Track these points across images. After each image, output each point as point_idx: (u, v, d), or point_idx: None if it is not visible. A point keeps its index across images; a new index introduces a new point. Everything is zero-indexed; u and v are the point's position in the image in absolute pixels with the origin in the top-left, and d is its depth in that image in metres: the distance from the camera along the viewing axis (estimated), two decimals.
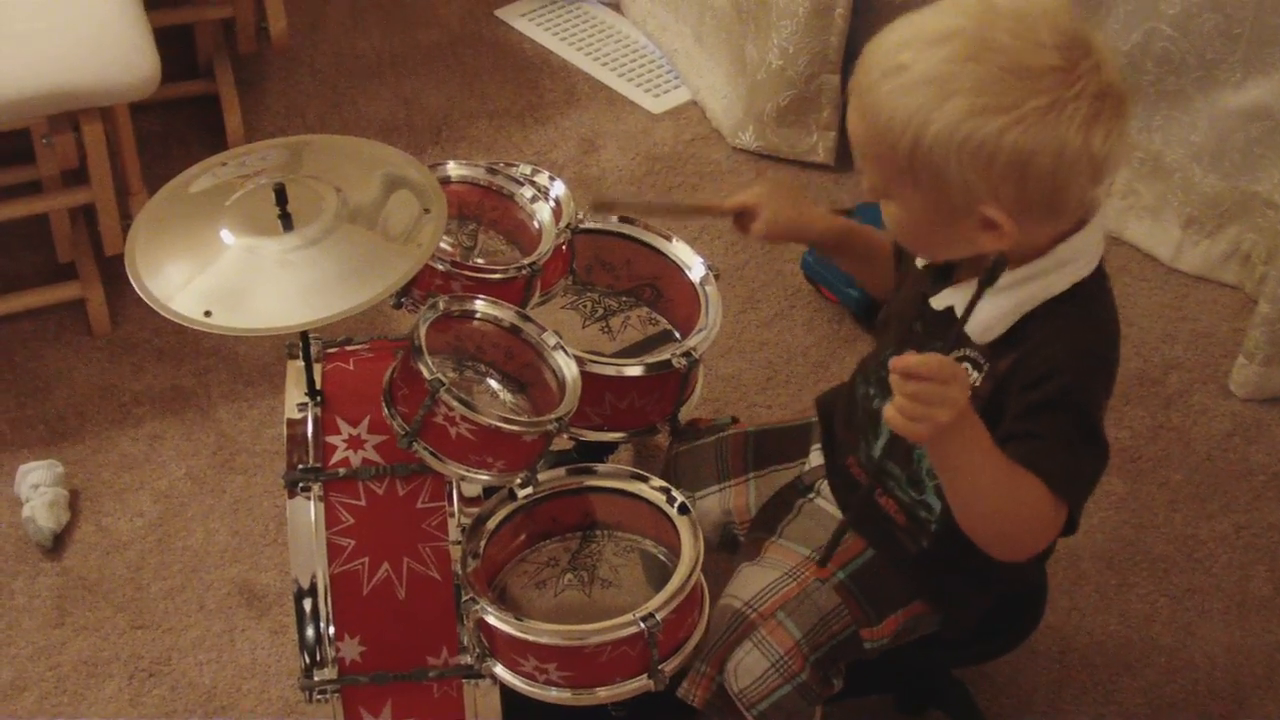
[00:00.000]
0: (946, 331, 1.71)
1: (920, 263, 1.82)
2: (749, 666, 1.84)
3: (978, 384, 1.72)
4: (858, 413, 1.91)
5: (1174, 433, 2.76)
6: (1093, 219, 1.71)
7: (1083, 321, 1.71)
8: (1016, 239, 1.65)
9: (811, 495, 1.99)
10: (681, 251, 2.16)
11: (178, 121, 3.30)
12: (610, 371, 1.98)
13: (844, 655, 1.88)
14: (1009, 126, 1.59)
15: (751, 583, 1.89)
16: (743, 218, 2.00)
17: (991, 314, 1.69)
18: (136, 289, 1.77)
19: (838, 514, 1.95)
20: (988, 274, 1.58)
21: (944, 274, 1.78)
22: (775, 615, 1.85)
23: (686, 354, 2.02)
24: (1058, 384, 1.67)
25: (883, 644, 1.90)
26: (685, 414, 2.10)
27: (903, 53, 1.63)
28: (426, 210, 1.86)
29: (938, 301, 1.77)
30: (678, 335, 2.14)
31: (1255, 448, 2.74)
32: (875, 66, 1.65)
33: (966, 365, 1.73)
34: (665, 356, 2.01)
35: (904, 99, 1.61)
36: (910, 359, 1.56)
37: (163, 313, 1.75)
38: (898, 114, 1.61)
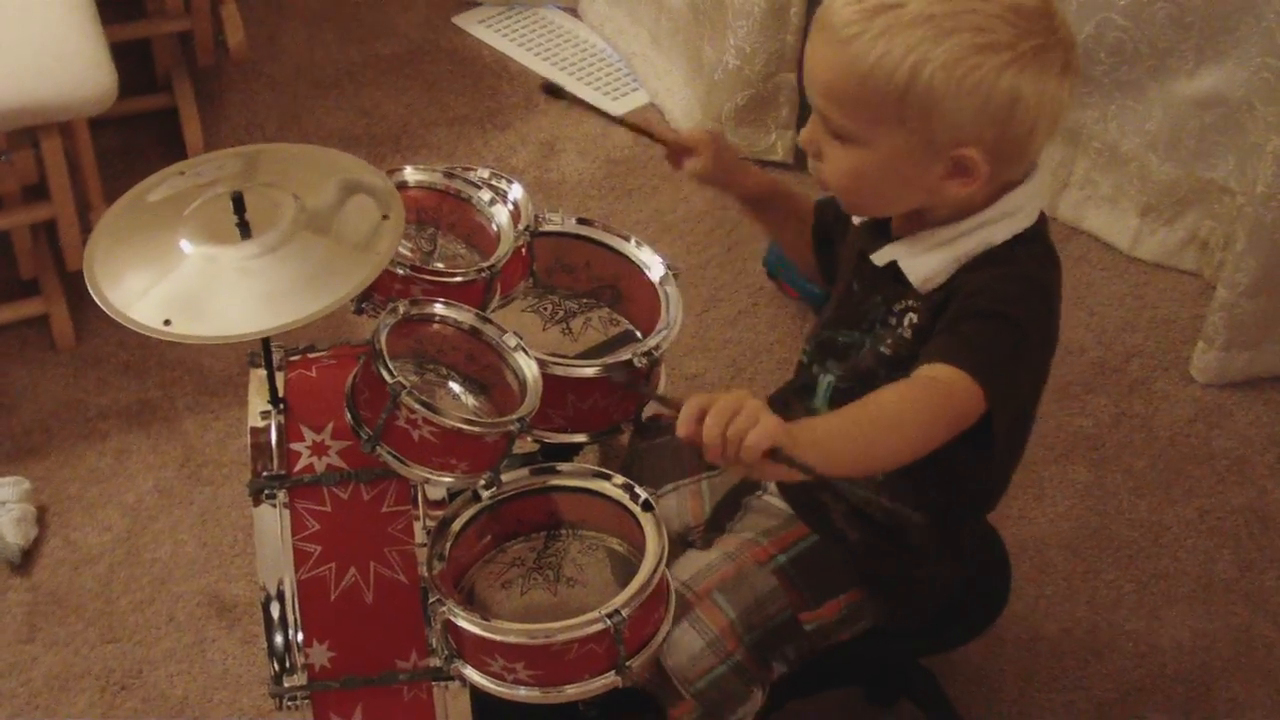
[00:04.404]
0: (888, 287, 1.73)
1: (857, 220, 1.82)
2: (684, 645, 1.84)
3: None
4: (799, 380, 1.93)
5: (1136, 420, 2.78)
6: (1035, 172, 1.73)
7: (1019, 264, 1.71)
8: (980, 186, 1.65)
9: (760, 492, 2.01)
10: (641, 252, 2.16)
11: (138, 135, 3.30)
12: (571, 372, 1.98)
13: (782, 639, 1.88)
14: (1007, 65, 1.60)
15: (690, 564, 1.91)
16: (680, 153, 1.98)
17: (933, 265, 1.72)
18: (95, 297, 1.77)
19: (785, 508, 1.96)
20: None
21: (882, 230, 1.79)
22: (711, 595, 1.86)
23: (647, 353, 2.02)
24: (985, 298, 1.67)
25: (824, 625, 1.90)
26: (648, 413, 2.10)
27: None
28: (385, 216, 1.86)
29: (879, 258, 1.77)
30: (639, 335, 2.15)
31: (1217, 432, 2.76)
32: (857, 5, 1.61)
33: (909, 315, 1.74)
34: (626, 356, 2.02)
35: (900, 36, 1.59)
36: (694, 409, 1.52)
37: (121, 321, 1.75)
38: (893, 51, 1.59)
